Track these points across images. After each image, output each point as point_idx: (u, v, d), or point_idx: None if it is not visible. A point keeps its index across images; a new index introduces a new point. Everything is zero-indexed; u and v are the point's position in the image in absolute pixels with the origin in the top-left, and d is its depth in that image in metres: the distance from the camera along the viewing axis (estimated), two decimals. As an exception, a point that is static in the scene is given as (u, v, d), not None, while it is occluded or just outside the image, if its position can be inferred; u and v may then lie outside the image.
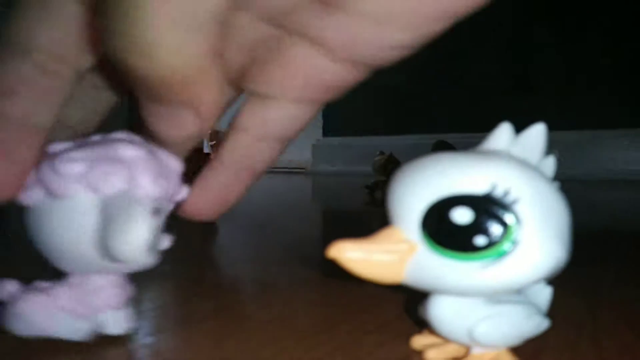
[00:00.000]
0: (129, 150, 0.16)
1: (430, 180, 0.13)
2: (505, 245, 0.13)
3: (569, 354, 0.17)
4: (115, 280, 0.18)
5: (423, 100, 1.47)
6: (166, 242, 0.18)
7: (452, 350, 0.16)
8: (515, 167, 0.13)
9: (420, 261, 0.14)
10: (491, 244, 0.13)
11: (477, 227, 0.13)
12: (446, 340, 0.16)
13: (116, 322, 0.18)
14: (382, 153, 0.82)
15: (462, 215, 0.13)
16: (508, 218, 0.13)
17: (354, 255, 0.14)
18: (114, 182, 0.16)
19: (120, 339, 0.18)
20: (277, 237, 0.44)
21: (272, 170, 1.68)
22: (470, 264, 0.13)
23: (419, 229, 0.14)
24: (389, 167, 0.78)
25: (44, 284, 0.18)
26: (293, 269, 0.31)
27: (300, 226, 0.52)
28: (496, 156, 0.14)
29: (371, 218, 0.61)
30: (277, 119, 0.17)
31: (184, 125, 0.15)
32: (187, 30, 0.12)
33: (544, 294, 0.17)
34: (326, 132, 1.60)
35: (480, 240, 0.13)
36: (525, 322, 0.15)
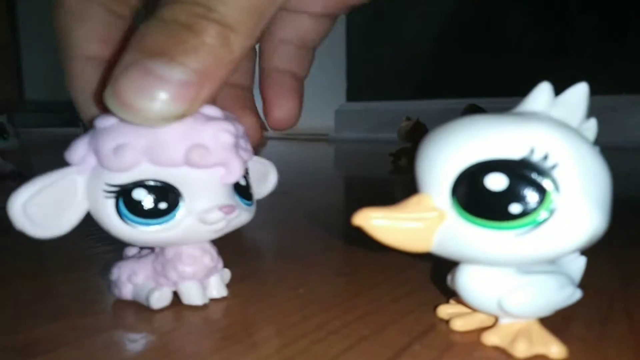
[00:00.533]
0: (103, 120, 0.16)
1: (462, 144, 0.13)
2: (542, 214, 0.12)
3: (599, 326, 0.16)
4: (194, 253, 0.18)
5: (452, 62, 1.42)
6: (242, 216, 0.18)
7: (479, 320, 0.16)
8: (555, 130, 0.12)
9: (450, 230, 0.13)
10: (527, 212, 0.12)
11: (512, 194, 0.12)
12: (473, 309, 0.16)
13: (191, 293, 0.18)
14: (408, 119, 0.80)
15: (496, 182, 0.12)
16: (546, 184, 0.12)
17: (381, 222, 0.13)
18: (71, 156, 0.16)
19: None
20: (299, 205, 0.44)
21: (293, 136, 1.68)
22: (503, 233, 0.13)
23: (450, 195, 0.13)
24: (416, 133, 0.77)
25: (136, 253, 0.19)
26: (316, 237, 0.31)
27: (322, 194, 0.51)
28: (534, 118, 0.13)
29: (396, 186, 0.61)
30: (307, 29, 0.22)
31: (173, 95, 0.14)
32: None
33: (578, 264, 0.16)
34: (350, 96, 1.57)
35: (515, 208, 0.12)
36: (557, 293, 0.14)
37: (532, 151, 0.12)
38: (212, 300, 0.19)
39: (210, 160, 0.16)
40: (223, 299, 0.19)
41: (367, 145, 1.32)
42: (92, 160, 0.16)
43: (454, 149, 0.13)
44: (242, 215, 0.18)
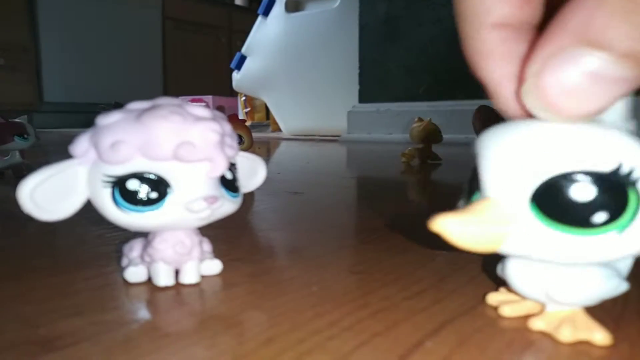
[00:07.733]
0: (107, 117, 0.18)
1: (546, 154, 0.13)
2: (625, 222, 0.13)
3: (613, 326, 0.16)
4: (166, 238, 0.19)
5: (463, 64, 1.41)
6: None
7: (526, 307, 0.17)
8: (636, 144, 0.13)
9: (529, 233, 0.13)
10: (610, 220, 0.13)
11: (599, 203, 0.13)
12: (522, 297, 0.17)
13: (158, 274, 0.19)
14: (420, 119, 0.80)
15: (585, 191, 0.13)
16: (631, 196, 0.13)
17: (459, 228, 0.13)
18: (74, 150, 0.18)
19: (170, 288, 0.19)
20: (312, 204, 0.44)
21: (306, 137, 1.68)
22: (585, 238, 0.13)
23: (529, 201, 0.13)
24: (427, 134, 0.77)
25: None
26: (329, 235, 0.31)
27: (336, 194, 0.52)
28: (616, 132, 0.13)
29: (407, 186, 0.61)
30: None
31: None
32: None
33: (626, 260, 0.17)
34: (362, 98, 1.57)
35: (600, 216, 0.13)
36: (604, 283, 0.15)
37: (620, 166, 0.12)
38: (228, 297, 0.19)
39: (197, 156, 0.18)
40: (239, 295, 0.19)
41: (379, 145, 1.31)
42: (93, 154, 0.18)
43: (538, 158, 0.13)
44: (226, 206, 0.19)
